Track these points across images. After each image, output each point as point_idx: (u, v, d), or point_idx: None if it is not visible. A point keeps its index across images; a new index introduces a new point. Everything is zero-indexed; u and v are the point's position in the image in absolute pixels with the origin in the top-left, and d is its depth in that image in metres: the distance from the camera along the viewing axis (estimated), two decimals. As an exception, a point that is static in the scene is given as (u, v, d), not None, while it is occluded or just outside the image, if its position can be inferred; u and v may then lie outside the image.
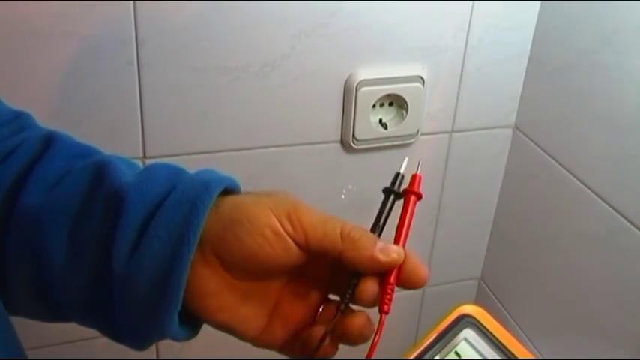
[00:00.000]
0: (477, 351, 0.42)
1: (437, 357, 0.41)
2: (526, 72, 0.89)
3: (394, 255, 0.41)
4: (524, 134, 0.92)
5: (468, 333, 0.43)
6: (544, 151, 0.88)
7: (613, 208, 0.76)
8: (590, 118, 0.79)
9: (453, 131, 0.91)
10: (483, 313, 0.44)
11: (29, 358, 0.45)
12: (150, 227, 0.40)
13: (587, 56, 0.78)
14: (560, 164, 0.85)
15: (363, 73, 0.81)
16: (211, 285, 0.41)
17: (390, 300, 0.41)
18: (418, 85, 0.84)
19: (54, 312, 0.45)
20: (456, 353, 0.42)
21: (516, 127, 0.93)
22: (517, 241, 0.96)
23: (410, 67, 0.84)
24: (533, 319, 0.94)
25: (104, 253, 0.41)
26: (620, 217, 0.75)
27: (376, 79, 0.82)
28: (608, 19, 0.74)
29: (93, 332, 0.96)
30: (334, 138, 0.86)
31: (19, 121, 0.49)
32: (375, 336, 0.40)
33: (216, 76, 0.77)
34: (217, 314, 0.42)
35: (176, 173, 0.44)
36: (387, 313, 0.41)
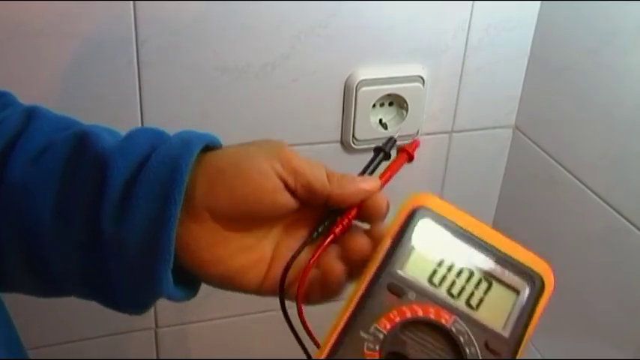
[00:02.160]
0: (439, 242, 0.37)
1: (397, 267, 0.36)
2: (526, 72, 0.89)
3: (373, 182, 0.42)
4: (524, 134, 0.92)
5: (426, 224, 0.37)
6: (544, 151, 0.88)
7: (613, 208, 0.76)
8: (590, 118, 0.79)
9: (452, 131, 0.91)
10: (433, 199, 0.38)
11: (30, 358, 0.45)
12: (135, 188, 0.40)
13: (587, 56, 0.78)
14: (560, 164, 0.85)
15: (363, 73, 0.81)
16: (203, 239, 0.41)
17: (344, 229, 0.42)
18: (418, 85, 0.84)
19: (50, 286, 0.45)
20: (417, 254, 0.37)
21: (516, 127, 0.93)
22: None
23: (410, 67, 0.84)
24: (533, 319, 0.94)
25: (92, 218, 0.41)
26: (620, 217, 0.75)
27: (376, 79, 0.82)
28: (608, 19, 0.74)
29: (93, 332, 0.96)
30: (334, 138, 0.86)
31: (0, 100, 0.49)
32: (314, 255, 0.40)
33: (216, 76, 0.77)
34: (212, 267, 0.42)
35: (157, 135, 0.44)
36: (336, 236, 0.41)
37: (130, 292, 0.43)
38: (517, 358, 0.36)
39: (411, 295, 0.35)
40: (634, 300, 0.75)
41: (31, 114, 0.46)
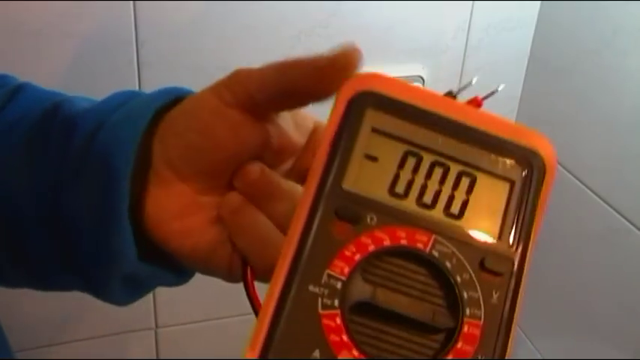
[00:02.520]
0: (396, 136, 0.27)
1: (344, 182, 0.25)
2: (526, 72, 0.89)
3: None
4: (524, 134, 0.92)
5: (374, 113, 0.27)
6: (544, 151, 0.88)
7: (613, 208, 0.76)
8: (590, 118, 0.79)
9: (453, 131, 0.91)
10: (378, 76, 0.29)
11: (27, 358, 0.45)
12: (92, 143, 0.36)
13: (588, 57, 0.78)
14: (560, 164, 0.85)
15: (363, 73, 0.81)
16: (171, 206, 0.35)
17: None
18: (418, 85, 0.84)
19: (38, 277, 0.42)
20: (369, 158, 0.26)
21: (516, 127, 0.93)
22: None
23: (410, 67, 0.84)
24: (533, 319, 0.94)
25: (57, 184, 0.37)
26: (620, 217, 0.75)
27: (376, 79, 0.82)
28: (608, 19, 0.74)
29: (93, 332, 0.95)
30: (334, 138, 0.86)
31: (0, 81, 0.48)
32: None
33: (216, 76, 0.77)
34: (180, 240, 0.35)
35: (132, 94, 0.40)
36: None
37: (99, 277, 0.38)
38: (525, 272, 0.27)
39: (370, 219, 0.25)
40: (634, 300, 0.75)
41: (18, 90, 0.44)
